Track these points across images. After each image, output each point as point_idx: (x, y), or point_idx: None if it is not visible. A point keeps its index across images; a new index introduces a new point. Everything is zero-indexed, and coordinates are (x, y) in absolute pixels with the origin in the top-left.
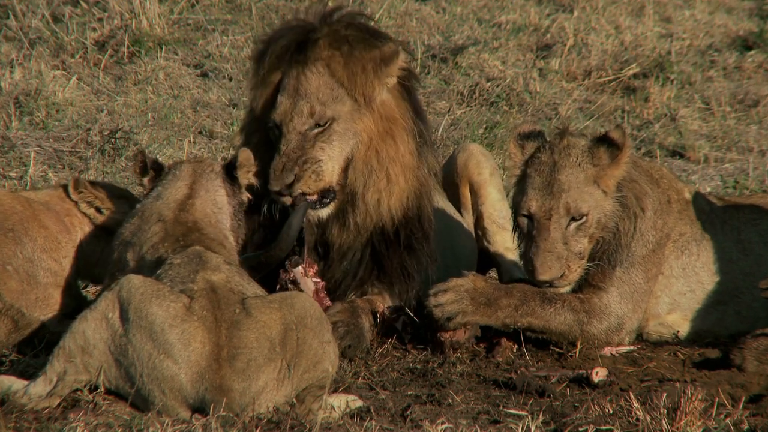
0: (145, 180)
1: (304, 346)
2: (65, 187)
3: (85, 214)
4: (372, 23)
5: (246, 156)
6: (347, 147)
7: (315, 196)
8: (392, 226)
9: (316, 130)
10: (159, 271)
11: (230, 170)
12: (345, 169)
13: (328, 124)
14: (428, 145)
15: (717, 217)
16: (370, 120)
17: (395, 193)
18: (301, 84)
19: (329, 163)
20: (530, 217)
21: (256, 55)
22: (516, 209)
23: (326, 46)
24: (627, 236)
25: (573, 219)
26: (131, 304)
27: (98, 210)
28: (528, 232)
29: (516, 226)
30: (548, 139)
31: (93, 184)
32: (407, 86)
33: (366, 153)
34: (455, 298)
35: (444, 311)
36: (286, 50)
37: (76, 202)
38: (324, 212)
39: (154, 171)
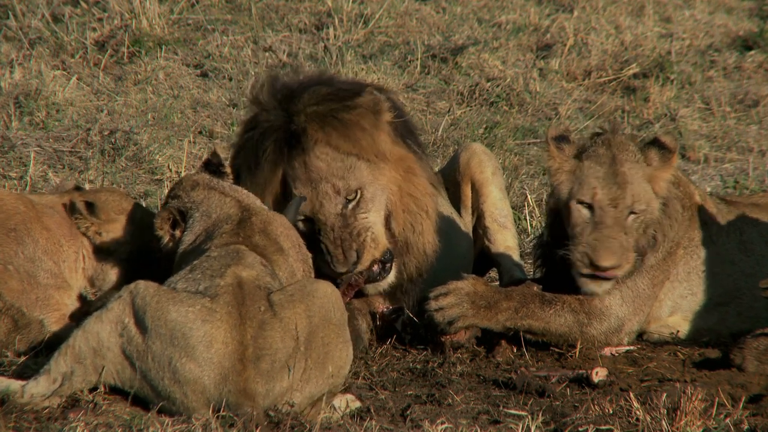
0: (177, 231)
1: (329, 347)
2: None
3: (84, 234)
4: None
5: (220, 152)
6: (382, 205)
7: (376, 267)
8: (433, 255)
9: (350, 206)
10: (195, 262)
11: (214, 170)
12: (388, 226)
13: (358, 195)
14: (423, 156)
15: (722, 219)
16: (390, 170)
17: (431, 227)
18: (311, 171)
19: (377, 226)
20: (591, 206)
21: (246, 162)
22: (567, 198)
23: (316, 129)
24: (654, 247)
25: (632, 212)
26: (147, 312)
27: (98, 232)
28: (582, 221)
29: (553, 219)
30: (600, 134)
31: (90, 205)
32: (392, 120)
33: (401, 201)
34: (455, 301)
35: (445, 315)
36: (278, 149)
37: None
38: (391, 277)
39: (183, 220)
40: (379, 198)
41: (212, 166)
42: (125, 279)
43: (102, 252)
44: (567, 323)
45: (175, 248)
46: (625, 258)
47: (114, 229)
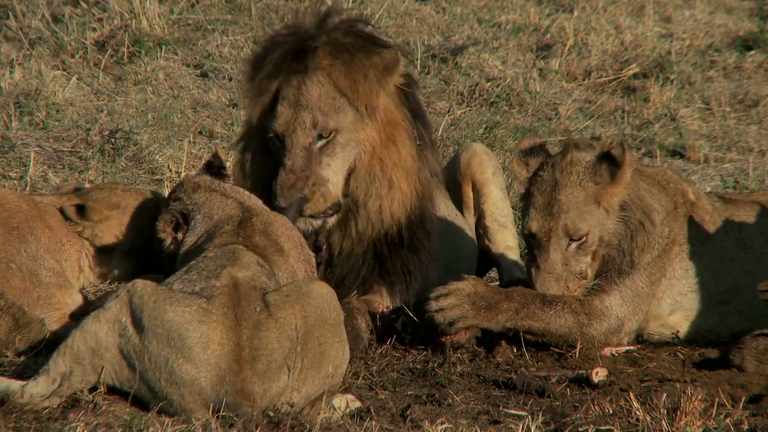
0: (180, 234)
1: (325, 347)
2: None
3: (82, 236)
4: (370, 26)
5: (221, 154)
6: (350, 157)
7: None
8: (396, 230)
9: (319, 143)
10: (192, 262)
11: (215, 172)
12: (347, 179)
13: (331, 136)
14: (429, 147)
15: (719, 217)
16: (372, 129)
17: (397, 198)
18: (302, 94)
19: (335, 178)
20: (532, 236)
21: (253, 61)
22: (521, 228)
23: (326, 55)
24: (636, 251)
25: (572, 240)
26: (144, 311)
27: (94, 234)
28: (530, 249)
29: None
30: (551, 154)
31: (80, 208)
32: (406, 90)
33: (370, 162)
34: (456, 302)
35: (445, 316)
36: (284, 59)
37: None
38: (328, 224)
39: (186, 222)
40: (350, 149)
41: (213, 168)
42: (135, 271)
43: (105, 250)
44: (567, 324)
45: (177, 250)
46: (566, 288)
47: (109, 227)
